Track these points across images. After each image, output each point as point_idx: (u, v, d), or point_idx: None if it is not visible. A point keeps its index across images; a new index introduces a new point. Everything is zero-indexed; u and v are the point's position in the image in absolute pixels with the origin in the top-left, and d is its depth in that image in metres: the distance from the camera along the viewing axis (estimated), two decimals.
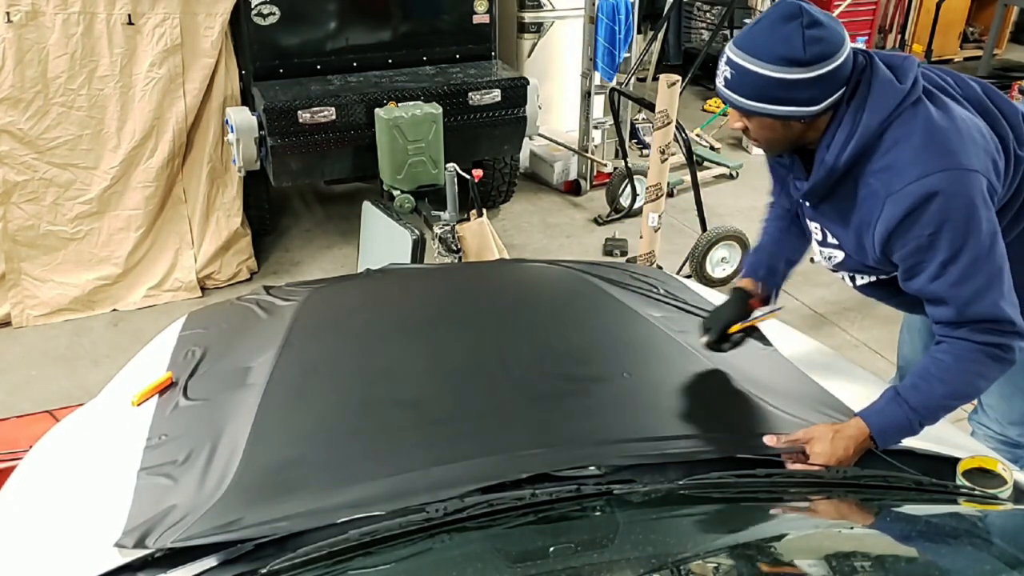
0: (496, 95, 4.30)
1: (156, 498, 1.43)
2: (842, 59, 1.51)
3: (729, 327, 1.84)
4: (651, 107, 3.79)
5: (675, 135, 3.84)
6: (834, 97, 1.53)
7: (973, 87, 1.68)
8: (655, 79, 5.32)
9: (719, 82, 1.58)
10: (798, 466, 1.52)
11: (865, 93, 1.54)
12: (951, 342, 1.57)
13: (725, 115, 6.44)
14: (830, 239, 1.74)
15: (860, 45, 6.36)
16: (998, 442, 1.97)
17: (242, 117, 3.98)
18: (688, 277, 3.52)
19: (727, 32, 7.05)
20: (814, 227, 1.78)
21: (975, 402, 2.03)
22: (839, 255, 1.75)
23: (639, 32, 5.58)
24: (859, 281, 1.81)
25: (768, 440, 1.55)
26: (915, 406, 1.56)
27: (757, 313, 1.88)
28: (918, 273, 1.57)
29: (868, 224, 1.58)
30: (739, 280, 1.96)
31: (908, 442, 1.62)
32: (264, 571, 1.20)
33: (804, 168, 1.68)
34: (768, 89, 1.51)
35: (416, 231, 3.58)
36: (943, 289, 1.53)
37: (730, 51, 1.55)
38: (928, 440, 1.68)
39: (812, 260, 1.90)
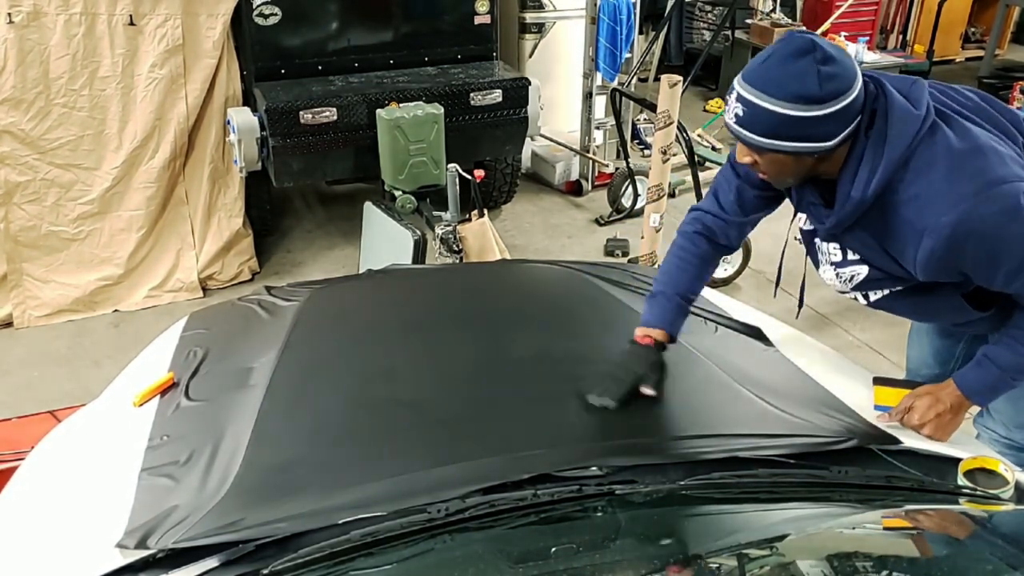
0: (497, 95, 4.30)
1: (158, 499, 1.43)
2: (856, 92, 1.48)
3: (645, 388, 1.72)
4: (653, 107, 3.79)
5: (677, 135, 3.84)
6: (849, 129, 1.51)
7: (973, 98, 1.68)
8: (656, 79, 5.31)
9: (729, 118, 1.55)
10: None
11: (883, 123, 1.52)
12: None
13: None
14: (851, 256, 1.72)
15: (862, 46, 6.36)
16: (1004, 446, 1.97)
17: (244, 118, 3.99)
18: None
19: (728, 32, 7.06)
20: (830, 248, 1.76)
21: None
22: (863, 271, 1.72)
23: (640, 32, 5.58)
24: (873, 297, 1.79)
25: (880, 419, 1.70)
26: (1004, 366, 1.67)
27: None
28: (991, 281, 1.59)
29: (904, 251, 1.58)
30: (656, 332, 1.80)
31: (909, 442, 1.62)
32: (266, 572, 1.20)
33: (820, 197, 1.66)
34: (782, 127, 1.48)
35: (417, 231, 3.59)
36: (1021, 289, 1.57)
37: (740, 87, 1.51)
38: (929, 440, 1.68)
39: (796, 239, 1.90)
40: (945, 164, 1.50)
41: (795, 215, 1.82)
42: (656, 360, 1.75)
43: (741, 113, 1.52)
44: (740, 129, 1.54)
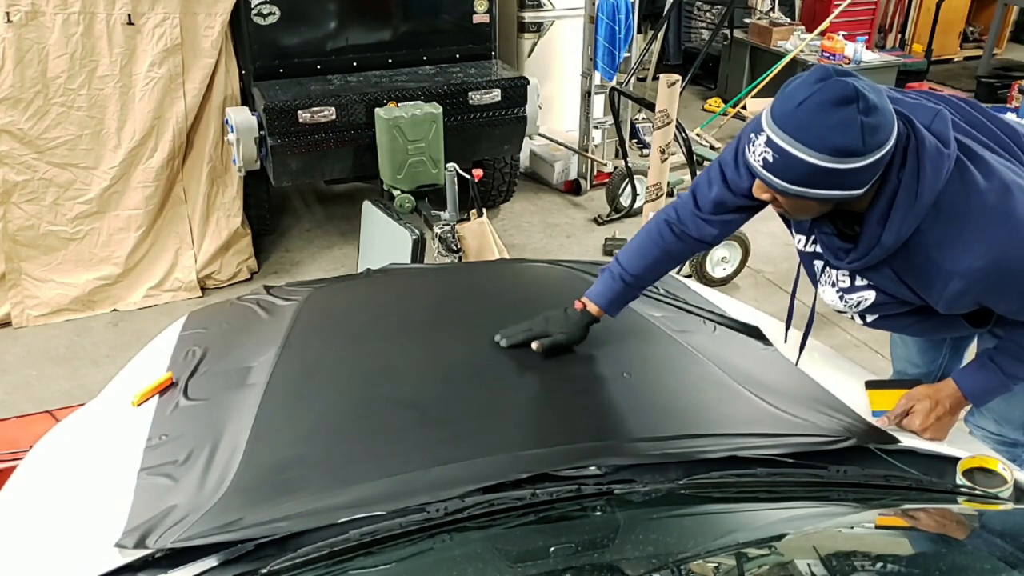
0: (496, 95, 4.30)
1: (156, 498, 1.43)
2: (893, 139, 1.42)
3: (552, 347, 1.80)
4: (651, 107, 3.79)
5: (675, 135, 3.84)
6: (881, 171, 1.46)
7: (977, 116, 1.66)
8: (655, 79, 5.32)
9: (755, 161, 1.47)
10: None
11: (915, 163, 1.47)
12: None
13: (725, 115, 6.45)
14: (860, 283, 1.69)
15: (860, 45, 6.37)
16: (995, 442, 1.97)
17: (242, 117, 3.99)
18: (688, 277, 3.52)
19: (727, 31, 7.06)
20: (839, 275, 1.73)
21: None
22: (871, 297, 1.69)
23: (639, 32, 5.59)
24: (870, 318, 1.77)
25: (881, 423, 1.70)
26: (1009, 372, 1.68)
27: None
28: (1020, 314, 1.59)
29: (929, 288, 1.57)
30: (591, 305, 1.86)
31: (908, 442, 1.62)
32: (265, 571, 1.20)
33: (835, 228, 1.63)
34: (816, 177, 1.41)
35: (416, 231, 3.58)
36: None
37: (773, 133, 1.42)
38: (928, 440, 1.69)
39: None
40: (975, 206, 1.47)
41: (794, 236, 1.79)
42: (570, 324, 1.82)
43: (771, 159, 1.43)
44: (769, 175, 1.46)
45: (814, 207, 1.53)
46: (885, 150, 1.41)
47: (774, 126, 1.42)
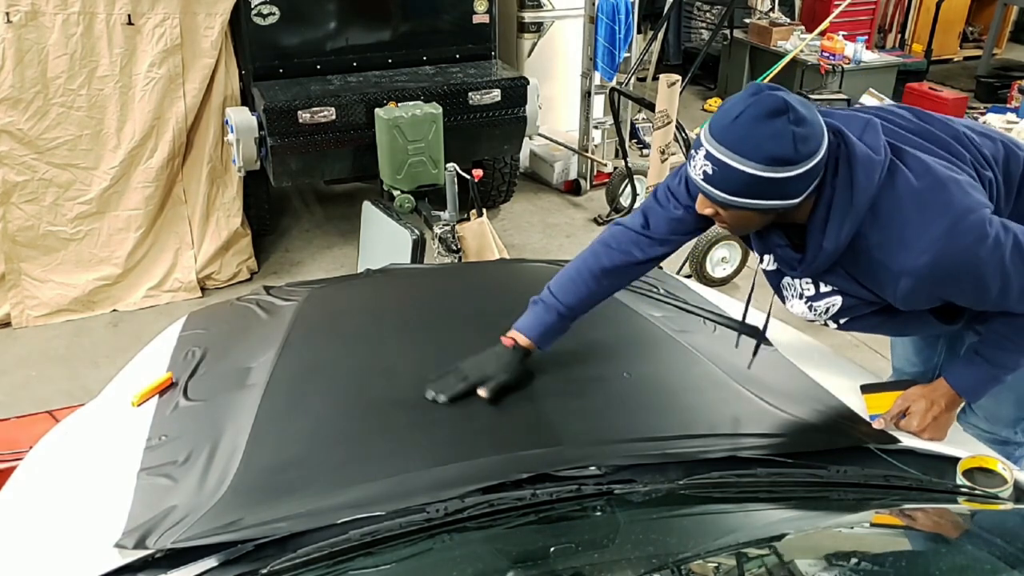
0: (496, 95, 4.30)
1: (156, 498, 1.43)
2: (824, 149, 1.48)
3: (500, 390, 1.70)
4: (651, 107, 3.79)
5: (675, 135, 3.84)
6: (816, 182, 1.51)
7: (913, 120, 1.68)
8: (655, 79, 5.32)
9: (696, 174, 1.52)
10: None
11: (847, 171, 1.52)
12: None
13: None
14: (824, 289, 1.72)
15: (860, 45, 6.37)
16: (988, 440, 1.98)
17: (242, 117, 3.99)
18: (688, 277, 3.52)
19: (727, 31, 7.06)
20: (803, 284, 1.75)
21: None
22: (837, 301, 1.72)
23: (639, 32, 5.58)
24: (843, 321, 1.79)
25: (877, 425, 1.68)
26: (995, 363, 1.69)
27: None
28: (982, 304, 1.60)
29: (882, 288, 1.60)
30: (521, 338, 1.77)
31: (908, 442, 1.62)
32: (264, 571, 1.20)
33: (787, 238, 1.66)
34: (754, 187, 1.46)
35: (416, 231, 3.58)
36: (1013, 306, 1.57)
37: (710, 145, 1.48)
38: (928, 440, 1.68)
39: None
40: (910, 205, 1.51)
41: (760, 259, 1.80)
42: (506, 363, 1.72)
43: (711, 172, 1.49)
44: (708, 187, 1.51)
45: (755, 219, 1.57)
46: (817, 159, 1.47)
47: (712, 140, 1.49)
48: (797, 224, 1.63)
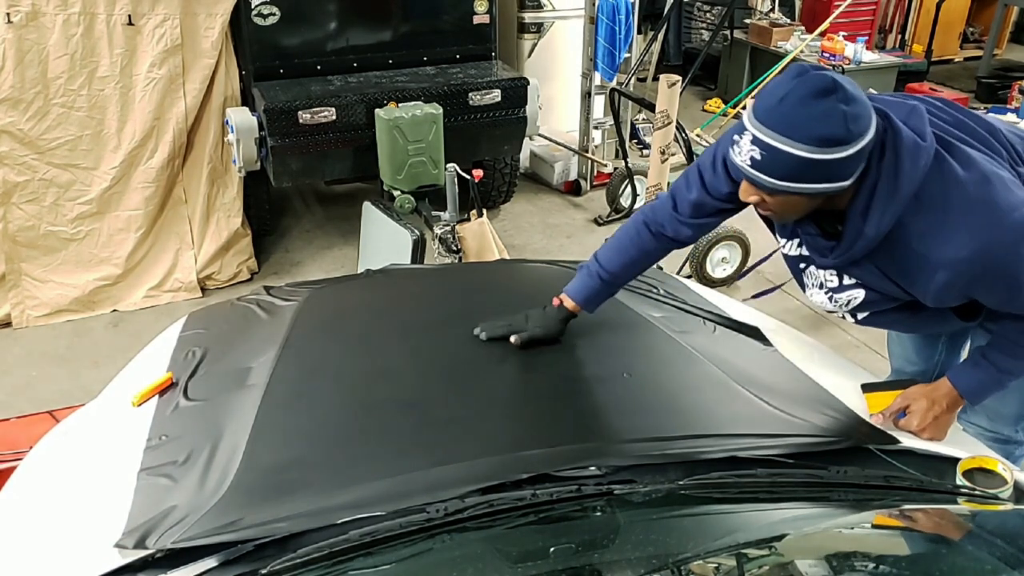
0: (496, 95, 4.30)
1: (156, 498, 1.43)
2: (874, 128, 1.44)
3: (529, 340, 1.83)
4: (651, 107, 3.79)
5: (675, 135, 3.84)
6: (864, 163, 1.47)
7: (953, 113, 1.67)
8: (655, 79, 5.32)
9: (742, 161, 1.47)
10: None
11: (893, 156, 1.48)
12: None
13: (725, 115, 6.45)
14: (848, 282, 1.71)
15: (860, 45, 6.37)
16: (988, 439, 1.98)
17: (242, 117, 3.99)
18: (688, 277, 3.52)
19: (727, 32, 7.06)
20: (826, 275, 1.74)
21: None
22: (860, 295, 1.71)
23: (639, 32, 5.59)
24: (861, 316, 1.78)
25: (876, 421, 1.69)
26: (1002, 368, 1.68)
27: None
28: (1009, 306, 1.59)
29: (914, 281, 1.58)
30: (567, 301, 1.89)
31: (908, 442, 1.62)
32: (264, 571, 1.20)
33: (819, 228, 1.64)
34: (804, 170, 1.42)
35: (416, 231, 3.58)
36: None
37: (756, 130, 1.43)
38: (928, 440, 1.68)
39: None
40: (955, 197, 1.48)
41: (784, 242, 1.79)
42: (546, 320, 1.86)
43: (759, 156, 1.44)
44: (756, 173, 1.46)
45: (801, 205, 1.53)
46: (867, 139, 1.42)
47: (758, 124, 1.43)
48: (831, 211, 1.59)
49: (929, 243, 1.50)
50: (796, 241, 1.74)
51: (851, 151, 1.41)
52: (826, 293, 1.75)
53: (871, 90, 1.66)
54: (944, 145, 1.53)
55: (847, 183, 1.47)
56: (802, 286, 1.82)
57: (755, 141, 1.44)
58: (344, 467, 1.50)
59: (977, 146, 1.59)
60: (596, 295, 1.89)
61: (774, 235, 1.83)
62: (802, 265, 1.78)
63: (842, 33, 6.51)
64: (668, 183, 3.88)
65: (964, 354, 2.09)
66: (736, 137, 1.49)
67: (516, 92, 4.35)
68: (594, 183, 5.42)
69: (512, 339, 1.82)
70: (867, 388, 1.81)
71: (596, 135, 5.35)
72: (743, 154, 1.47)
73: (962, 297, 1.60)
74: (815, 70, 1.42)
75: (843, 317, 1.81)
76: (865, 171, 1.49)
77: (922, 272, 1.54)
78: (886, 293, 1.67)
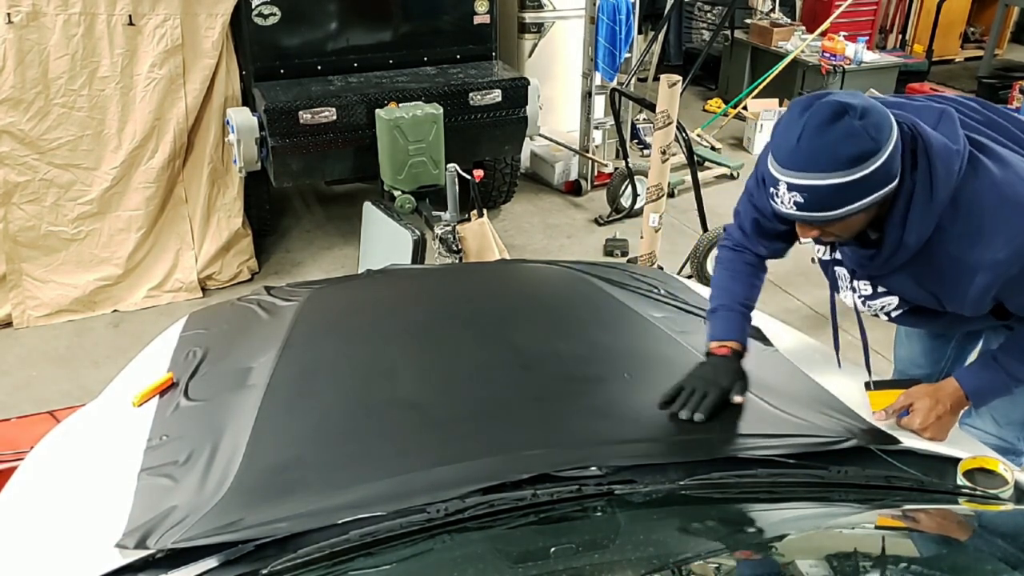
0: (497, 95, 4.30)
1: (157, 499, 1.43)
2: (894, 123, 1.43)
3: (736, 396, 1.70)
4: (652, 107, 3.79)
5: (676, 135, 3.84)
6: (900, 156, 1.45)
7: (982, 111, 1.66)
8: (656, 79, 5.32)
9: (787, 209, 1.47)
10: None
11: (926, 163, 1.48)
12: None
13: (726, 115, 6.45)
14: (881, 290, 1.71)
15: (861, 45, 6.37)
16: (993, 446, 1.97)
17: (243, 118, 3.99)
18: (689, 278, 3.52)
19: (728, 32, 7.06)
20: (860, 284, 1.74)
21: None
22: (893, 302, 1.72)
23: (640, 32, 5.59)
24: (895, 314, 1.79)
25: (877, 418, 1.66)
26: (1013, 373, 1.67)
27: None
28: None
29: (952, 288, 1.57)
30: (730, 344, 1.78)
31: (909, 442, 1.62)
32: (265, 571, 1.20)
33: (855, 237, 1.63)
34: (848, 193, 1.42)
35: (417, 231, 3.59)
36: None
37: (787, 176, 1.43)
38: (929, 440, 1.68)
39: (813, 261, 1.90)
40: (992, 197, 1.48)
41: (817, 248, 1.80)
42: (736, 369, 1.71)
43: (801, 200, 1.44)
44: (808, 215, 1.46)
45: (862, 219, 1.52)
46: (894, 136, 1.42)
47: (785, 170, 1.44)
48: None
49: (967, 246, 1.50)
50: (828, 247, 1.75)
51: (884, 156, 1.41)
52: (859, 298, 1.77)
53: (885, 94, 1.65)
54: (977, 146, 1.53)
55: (895, 182, 1.46)
56: (835, 289, 1.83)
57: (791, 187, 1.44)
58: (345, 467, 1.50)
59: (1010, 145, 1.59)
60: (744, 328, 1.83)
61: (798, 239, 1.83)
62: (837, 268, 1.79)
63: (843, 33, 6.51)
64: (668, 183, 3.88)
65: (971, 359, 2.09)
66: (772, 191, 1.49)
67: (517, 92, 4.35)
68: (595, 183, 5.42)
69: (737, 399, 1.66)
70: (870, 387, 1.81)
71: (597, 135, 5.35)
72: (786, 203, 1.47)
73: (994, 301, 1.59)
74: (817, 99, 1.43)
75: (875, 315, 1.82)
76: (900, 181, 1.48)
77: (962, 277, 1.53)
78: (920, 302, 1.68)
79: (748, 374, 1.71)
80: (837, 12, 6.60)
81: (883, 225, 1.56)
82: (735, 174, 5.66)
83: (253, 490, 1.42)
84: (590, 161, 5.33)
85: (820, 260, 1.82)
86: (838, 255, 1.75)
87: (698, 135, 6.07)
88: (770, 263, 1.92)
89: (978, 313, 1.62)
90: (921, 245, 1.53)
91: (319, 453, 1.55)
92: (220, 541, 1.27)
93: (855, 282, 1.75)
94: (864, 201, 1.44)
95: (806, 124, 1.40)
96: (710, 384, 1.64)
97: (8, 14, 3.66)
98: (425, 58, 4.52)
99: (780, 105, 6.29)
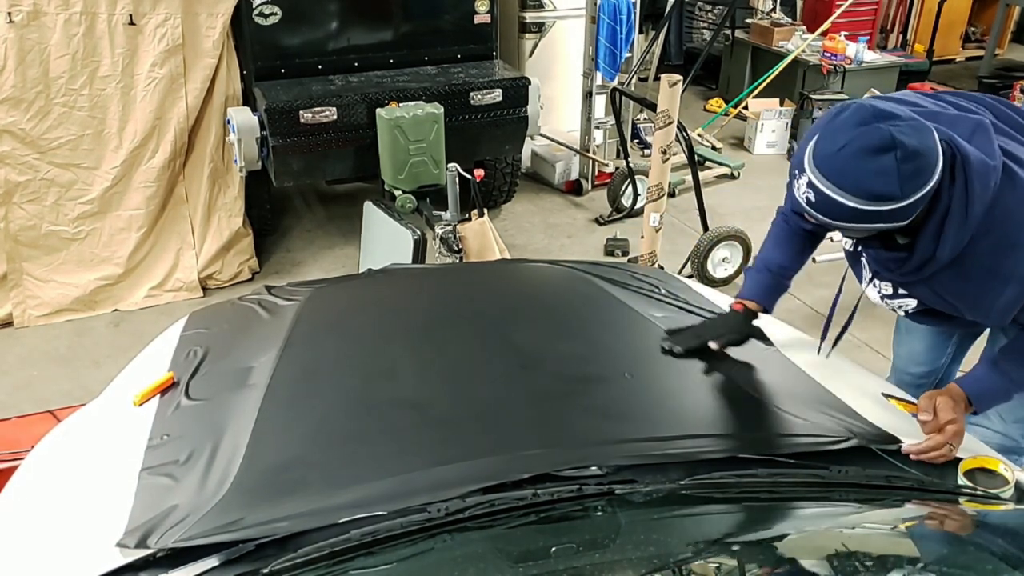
0: (497, 95, 4.30)
1: (158, 498, 1.43)
2: (936, 176, 1.42)
3: (727, 344, 1.84)
4: (652, 107, 3.79)
5: (676, 135, 3.84)
6: (924, 205, 1.46)
7: (1005, 111, 1.66)
8: (656, 79, 5.32)
9: (801, 199, 1.51)
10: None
11: (964, 182, 1.48)
12: None
13: (727, 115, 6.45)
14: (901, 291, 1.73)
15: (862, 45, 6.36)
16: (996, 444, 1.97)
17: (243, 117, 3.99)
18: (690, 277, 3.52)
19: (728, 32, 7.06)
20: (881, 284, 1.76)
21: None
22: (912, 303, 1.73)
23: (640, 32, 5.58)
24: (912, 312, 1.80)
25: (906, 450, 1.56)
26: (1016, 379, 1.69)
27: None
28: None
29: (978, 298, 1.57)
30: (746, 302, 1.91)
31: (909, 442, 1.62)
32: (266, 571, 1.20)
33: (882, 241, 1.64)
34: (857, 217, 1.44)
35: (417, 231, 3.59)
36: None
37: (813, 176, 1.46)
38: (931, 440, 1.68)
39: (813, 260, 1.91)
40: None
41: (843, 239, 1.81)
42: (736, 324, 1.86)
43: (814, 199, 1.47)
44: (813, 212, 1.50)
45: (865, 232, 1.55)
46: (927, 189, 1.42)
47: (815, 169, 1.45)
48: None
49: (999, 256, 1.51)
50: (854, 240, 1.77)
51: (906, 203, 1.41)
52: (880, 295, 1.80)
53: (933, 100, 1.65)
54: (1010, 156, 1.53)
55: (907, 222, 1.46)
56: (860, 280, 1.86)
57: (810, 185, 1.47)
58: (345, 467, 1.50)
59: None
60: (770, 290, 1.91)
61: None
62: (863, 260, 1.80)
63: (843, 33, 6.51)
64: (669, 182, 3.88)
65: (967, 358, 2.09)
66: (796, 172, 1.51)
67: (517, 92, 4.35)
68: (595, 183, 5.42)
69: (713, 345, 1.80)
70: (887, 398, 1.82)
71: (597, 135, 5.34)
72: (801, 191, 1.50)
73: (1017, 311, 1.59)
74: (879, 119, 1.41)
75: (894, 311, 1.85)
76: (936, 196, 1.48)
77: (990, 287, 1.54)
78: (938, 307, 1.69)
79: (756, 331, 1.86)
80: (838, 12, 6.59)
81: (916, 232, 1.56)
82: (736, 174, 5.66)
83: (254, 489, 1.42)
84: (591, 161, 5.33)
85: (844, 250, 1.85)
86: (861, 249, 1.77)
87: (699, 135, 6.07)
88: None
89: (1002, 324, 1.63)
90: (953, 257, 1.54)
91: (320, 452, 1.55)
92: (221, 540, 1.27)
93: (876, 281, 1.76)
94: (869, 226, 1.47)
95: (852, 140, 1.41)
96: (706, 331, 1.86)
97: (9, 13, 3.66)
98: (426, 58, 4.52)
99: (781, 105, 6.29)
